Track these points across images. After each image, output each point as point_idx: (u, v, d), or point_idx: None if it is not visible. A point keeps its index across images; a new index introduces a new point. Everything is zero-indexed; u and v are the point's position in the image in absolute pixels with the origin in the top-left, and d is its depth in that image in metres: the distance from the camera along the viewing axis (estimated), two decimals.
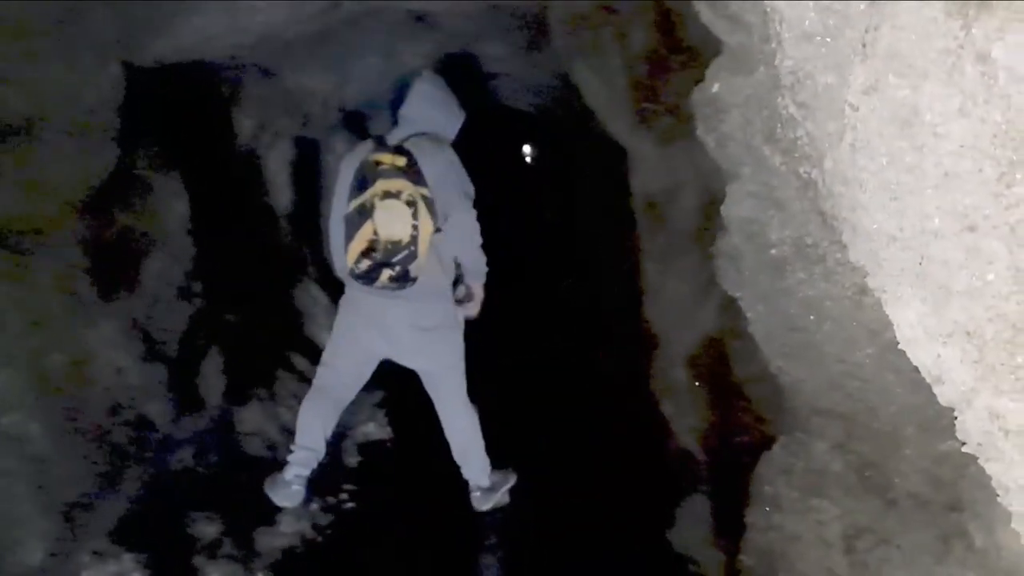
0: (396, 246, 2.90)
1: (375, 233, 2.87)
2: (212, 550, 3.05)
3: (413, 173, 2.99)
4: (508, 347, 4.46)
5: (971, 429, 1.05)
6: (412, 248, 2.92)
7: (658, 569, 3.07)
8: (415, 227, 2.92)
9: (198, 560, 3.00)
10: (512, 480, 3.79)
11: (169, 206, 3.42)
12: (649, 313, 3.35)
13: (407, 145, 3.20)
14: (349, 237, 2.98)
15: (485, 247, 3.19)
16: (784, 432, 2.18)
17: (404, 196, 2.92)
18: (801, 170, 1.32)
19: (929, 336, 1.04)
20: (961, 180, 0.92)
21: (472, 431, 3.67)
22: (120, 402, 2.88)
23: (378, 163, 3.00)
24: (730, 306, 2.60)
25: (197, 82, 3.76)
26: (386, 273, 2.93)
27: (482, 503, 3.75)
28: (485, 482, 3.72)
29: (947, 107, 0.91)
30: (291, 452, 3.34)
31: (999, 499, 1.08)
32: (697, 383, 3.03)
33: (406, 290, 3.42)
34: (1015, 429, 0.96)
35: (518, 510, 3.72)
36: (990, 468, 1.06)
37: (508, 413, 3.71)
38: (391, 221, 2.92)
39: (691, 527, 3.12)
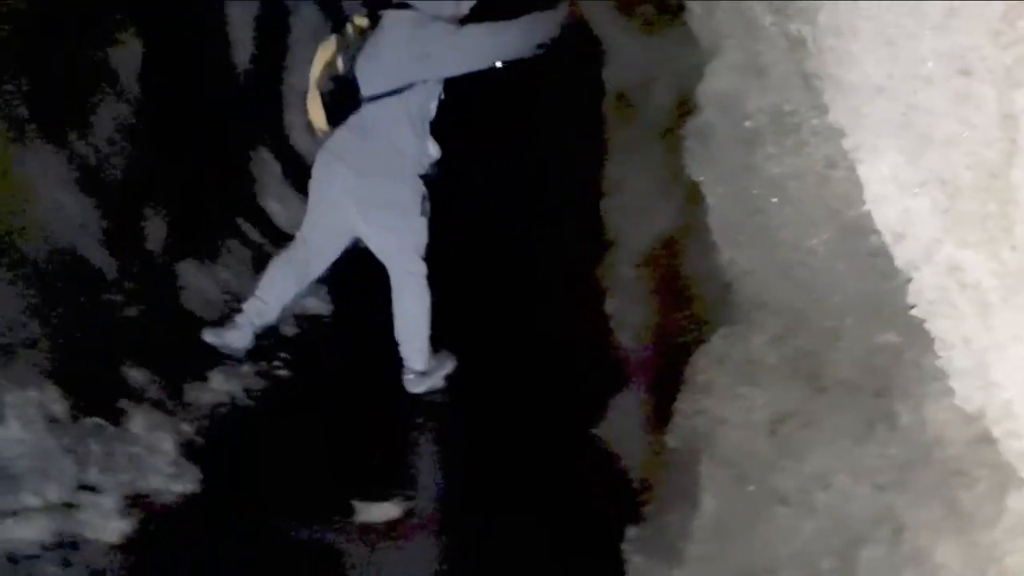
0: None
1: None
2: (139, 395, 3.01)
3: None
4: (461, 238, 4.43)
5: (925, 287, 1.07)
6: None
7: (584, 462, 3.14)
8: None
9: (124, 403, 2.96)
10: (450, 366, 3.82)
11: (123, 46, 3.24)
12: (607, 210, 3.35)
13: (386, 12, 3.29)
14: None
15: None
16: (724, 324, 2.22)
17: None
18: (792, 27, 1.29)
19: (901, 188, 1.05)
20: (962, 18, 0.91)
21: (415, 315, 3.67)
22: (55, 238, 2.77)
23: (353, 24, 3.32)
24: (691, 204, 2.60)
25: None
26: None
27: (414, 385, 3.78)
28: (419, 366, 3.74)
29: None
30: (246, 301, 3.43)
31: (939, 361, 1.11)
32: (644, 280, 3.06)
33: (360, 164, 3.40)
34: (972, 283, 0.98)
35: (452, 395, 3.77)
36: (938, 327, 1.08)
37: (453, 299, 3.71)
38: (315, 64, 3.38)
39: (621, 420, 3.19)
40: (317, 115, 3.40)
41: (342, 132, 3.37)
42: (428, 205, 3.52)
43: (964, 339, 1.01)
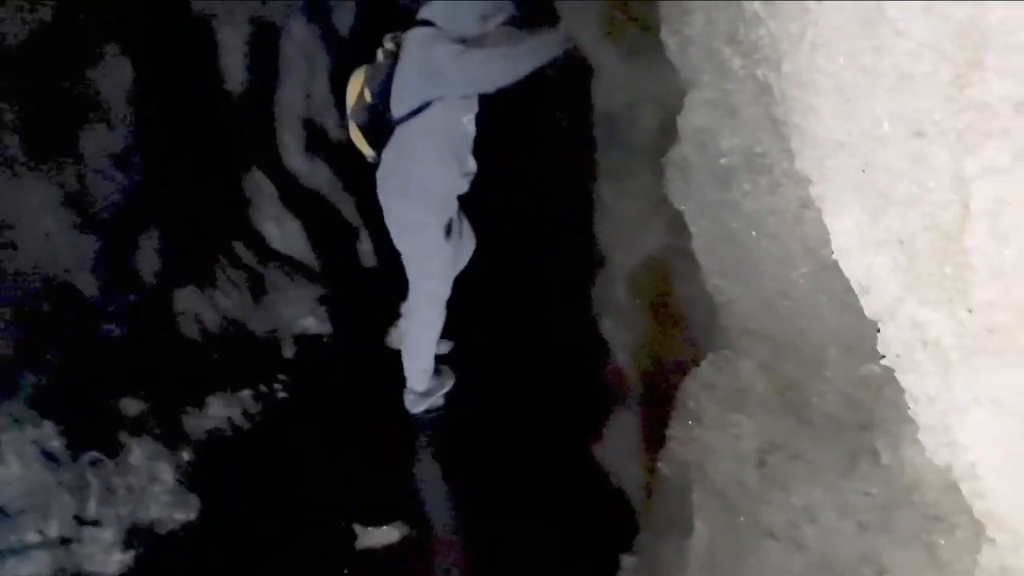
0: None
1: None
2: (137, 426, 3.03)
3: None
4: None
5: (892, 340, 1.06)
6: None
7: (580, 482, 3.14)
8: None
9: (122, 436, 2.98)
10: (449, 384, 3.83)
11: (111, 72, 3.25)
12: (598, 230, 3.34)
13: (407, 32, 3.31)
14: None
15: None
16: (713, 349, 2.21)
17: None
18: (759, 73, 1.29)
19: (863, 245, 1.04)
20: (915, 82, 0.91)
21: (421, 336, 3.68)
22: (47, 269, 2.78)
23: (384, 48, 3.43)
24: (678, 225, 2.60)
25: None
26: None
27: (414, 405, 3.79)
28: (420, 387, 3.75)
29: (912, 2, 0.88)
30: None
31: (910, 412, 1.11)
32: (637, 301, 3.05)
33: (389, 186, 3.47)
34: (932, 340, 0.98)
35: (452, 414, 3.77)
36: (905, 380, 1.08)
37: (448, 316, 3.70)
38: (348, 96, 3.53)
39: (617, 443, 3.19)
40: (361, 144, 3.51)
41: (384, 156, 3.46)
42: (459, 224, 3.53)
43: (928, 397, 1.01)
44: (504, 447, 3.43)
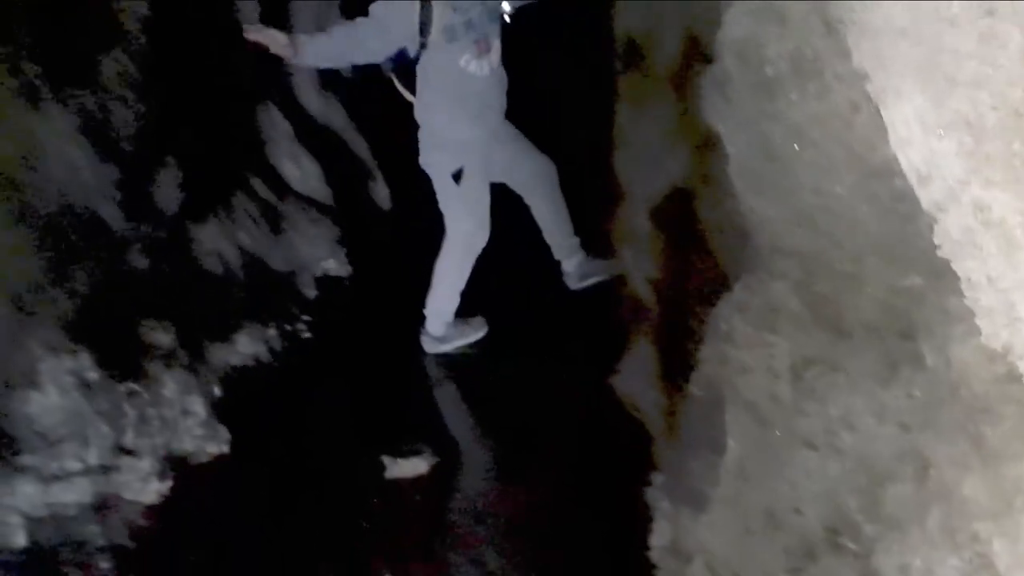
0: None
1: None
2: (167, 358, 3.07)
3: None
4: None
5: (951, 228, 1.08)
6: None
7: (605, 412, 3.18)
8: None
9: (152, 366, 3.02)
10: (474, 335, 3.81)
11: (128, 3, 3.22)
12: (617, 161, 3.34)
13: None
14: None
15: None
16: (745, 272, 2.23)
17: None
18: None
19: (925, 130, 1.05)
20: None
21: (438, 275, 3.68)
22: (72, 200, 2.79)
23: None
24: (705, 150, 2.60)
25: None
26: None
27: (429, 347, 3.81)
28: (436, 331, 3.77)
29: None
30: None
31: (966, 300, 1.13)
32: (659, 231, 3.06)
33: None
34: (997, 221, 0.99)
35: (471, 354, 3.80)
36: (963, 267, 1.10)
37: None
38: None
39: (637, 372, 3.22)
40: (403, 92, 3.53)
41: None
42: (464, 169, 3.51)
43: (989, 278, 1.03)
44: (526, 379, 3.48)
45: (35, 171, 2.63)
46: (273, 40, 3.33)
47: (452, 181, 3.48)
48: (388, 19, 3.26)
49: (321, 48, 3.37)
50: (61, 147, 2.72)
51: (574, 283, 3.89)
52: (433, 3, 3.22)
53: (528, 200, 3.78)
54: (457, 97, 3.38)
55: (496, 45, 3.39)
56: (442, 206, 3.59)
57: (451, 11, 3.24)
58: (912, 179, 1.15)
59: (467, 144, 3.47)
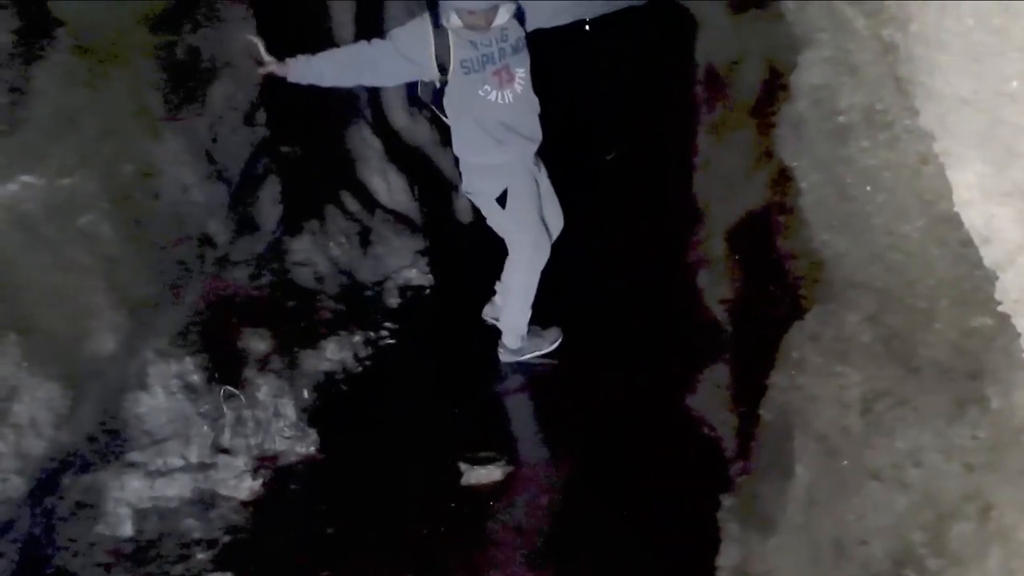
0: None
1: None
2: (262, 365, 3.27)
3: None
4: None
5: (1010, 287, 1.14)
6: None
7: (673, 432, 3.23)
8: None
9: (249, 372, 3.22)
10: (549, 346, 3.89)
11: (235, 33, 3.44)
12: (697, 185, 3.39)
13: None
14: None
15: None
16: (818, 302, 2.27)
17: None
18: (884, 32, 1.35)
19: (985, 196, 1.11)
20: None
21: (509, 295, 3.78)
22: (184, 218, 3.02)
23: None
24: (781, 181, 2.65)
25: None
26: None
27: (503, 355, 3.91)
28: (511, 344, 3.87)
29: None
30: None
31: None
32: (735, 256, 3.11)
33: None
34: None
35: (547, 365, 3.90)
36: (1022, 324, 1.15)
37: (551, 272, 3.81)
38: None
39: (711, 393, 3.27)
40: (445, 119, 3.60)
41: None
42: (509, 190, 3.55)
43: None
44: (600, 392, 3.56)
45: (151, 190, 2.85)
46: (259, 55, 3.38)
47: (498, 205, 3.55)
48: (406, 45, 3.29)
49: (319, 66, 3.40)
50: (175, 168, 2.94)
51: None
52: (449, 34, 3.24)
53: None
54: (481, 124, 3.41)
55: (520, 74, 3.35)
56: (496, 229, 3.67)
57: (469, 46, 3.25)
58: (975, 237, 1.21)
59: (501, 168, 3.51)
